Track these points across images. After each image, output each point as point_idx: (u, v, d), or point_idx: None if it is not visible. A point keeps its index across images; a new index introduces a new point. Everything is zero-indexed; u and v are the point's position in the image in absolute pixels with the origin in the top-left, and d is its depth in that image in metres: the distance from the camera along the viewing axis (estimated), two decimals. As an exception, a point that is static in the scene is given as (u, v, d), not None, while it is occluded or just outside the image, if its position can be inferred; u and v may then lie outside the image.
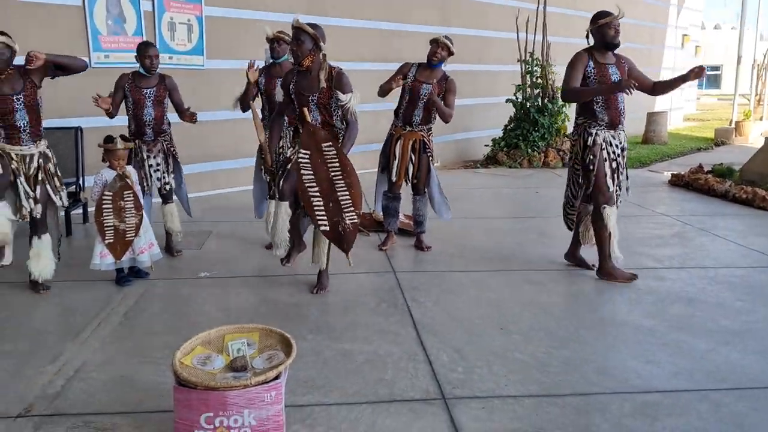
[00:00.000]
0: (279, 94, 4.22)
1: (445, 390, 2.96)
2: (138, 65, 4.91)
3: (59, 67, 4.21)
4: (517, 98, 10.77)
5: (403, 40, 9.83)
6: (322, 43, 3.98)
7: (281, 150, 4.93)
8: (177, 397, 2.35)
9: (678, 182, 8.65)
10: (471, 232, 5.97)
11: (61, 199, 4.44)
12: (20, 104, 4.14)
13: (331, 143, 3.90)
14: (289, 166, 4.27)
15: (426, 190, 5.32)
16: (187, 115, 5.01)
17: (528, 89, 10.79)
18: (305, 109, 3.96)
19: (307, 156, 3.87)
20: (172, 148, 5.12)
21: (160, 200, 5.21)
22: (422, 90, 5.03)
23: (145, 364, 3.22)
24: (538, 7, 10.84)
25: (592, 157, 4.42)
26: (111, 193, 4.20)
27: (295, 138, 4.28)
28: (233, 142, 7.99)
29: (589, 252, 4.84)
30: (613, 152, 4.48)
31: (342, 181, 3.86)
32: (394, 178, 5.25)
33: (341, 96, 3.95)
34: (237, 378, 2.38)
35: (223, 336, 2.62)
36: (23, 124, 4.18)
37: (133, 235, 4.27)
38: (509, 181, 9.13)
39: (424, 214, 5.38)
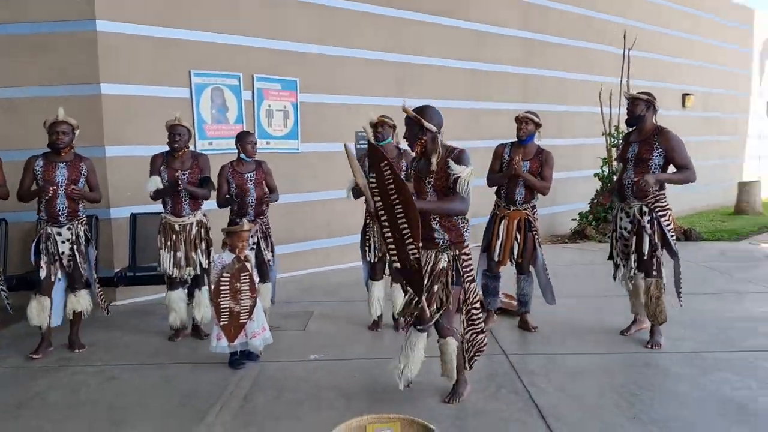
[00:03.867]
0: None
1: (589, 485, 2.80)
2: (238, 152, 5.28)
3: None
4: (603, 171, 10.66)
5: (488, 118, 9.98)
6: (430, 125, 3.61)
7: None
8: (326, 491, 2.30)
9: (785, 255, 8.22)
10: (575, 310, 5.79)
11: (206, 260, 5.16)
12: (184, 180, 4.92)
13: (386, 162, 3.38)
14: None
15: (531, 269, 5.25)
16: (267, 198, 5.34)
17: (614, 162, 10.66)
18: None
19: (374, 179, 3.42)
20: (269, 229, 5.39)
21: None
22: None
23: (274, 451, 3.20)
24: (621, 81, 10.82)
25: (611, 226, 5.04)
26: (229, 275, 4.31)
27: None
28: (326, 222, 8.18)
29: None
30: (618, 225, 4.87)
31: (399, 206, 3.33)
32: (497, 258, 5.19)
33: (453, 166, 3.52)
34: (386, 471, 2.33)
35: (365, 426, 2.59)
36: (185, 194, 5.04)
37: (247, 317, 4.34)
38: (600, 256, 8.83)
39: (528, 293, 5.29)
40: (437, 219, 3.57)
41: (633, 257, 4.70)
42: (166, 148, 5.11)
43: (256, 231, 5.27)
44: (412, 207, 3.31)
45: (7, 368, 4.63)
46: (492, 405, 3.71)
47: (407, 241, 3.32)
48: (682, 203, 13.61)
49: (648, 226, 4.59)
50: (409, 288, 3.60)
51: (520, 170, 4.99)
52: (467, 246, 3.66)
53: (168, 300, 5.16)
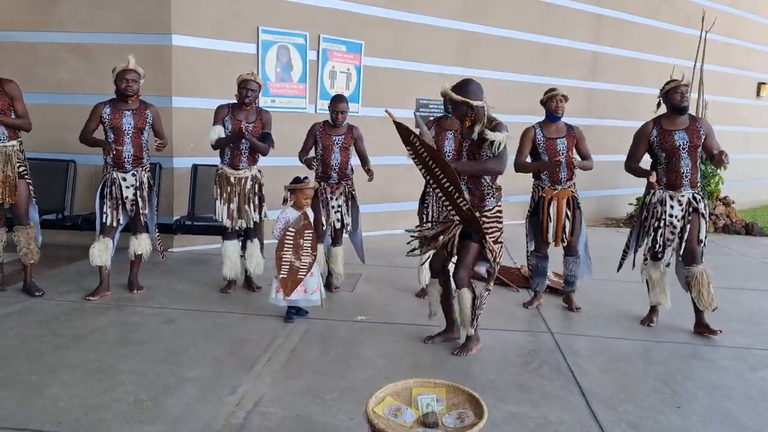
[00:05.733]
0: None
1: (626, 469, 2.82)
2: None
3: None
4: (666, 157, 10.37)
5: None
6: (477, 103, 3.89)
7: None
8: (375, 448, 2.38)
9: None
10: (625, 296, 5.72)
11: (258, 215, 5.28)
12: (248, 132, 4.98)
13: (413, 135, 3.68)
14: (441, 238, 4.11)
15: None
16: (366, 168, 5.34)
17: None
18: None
19: (411, 152, 3.78)
20: (353, 192, 5.42)
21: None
22: (558, 147, 5.02)
23: (318, 404, 3.31)
24: (695, 64, 10.44)
25: (645, 213, 4.80)
26: (294, 230, 4.43)
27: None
28: (379, 187, 8.20)
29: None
30: (664, 212, 4.63)
31: (437, 167, 3.73)
32: (551, 240, 5.16)
33: (489, 134, 3.85)
34: (429, 434, 2.39)
35: (410, 389, 2.65)
36: (245, 148, 5.11)
37: (305, 274, 4.46)
38: (656, 243, 8.69)
39: (576, 274, 5.27)
40: (466, 183, 4.00)
41: (683, 245, 4.60)
42: (232, 100, 5.19)
43: (341, 194, 5.35)
44: (447, 166, 3.72)
45: (69, 302, 4.89)
46: (534, 380, 3.74)
47: (455, 195, 3.79)
48: (745, 195, 13.16)
49: (705, 212, 4.64)
50: (470, 229, 4.03)
51: (575, 161, 5.11)
52: (491, 210, 4.04)
53: (224, 249, 5.28)
